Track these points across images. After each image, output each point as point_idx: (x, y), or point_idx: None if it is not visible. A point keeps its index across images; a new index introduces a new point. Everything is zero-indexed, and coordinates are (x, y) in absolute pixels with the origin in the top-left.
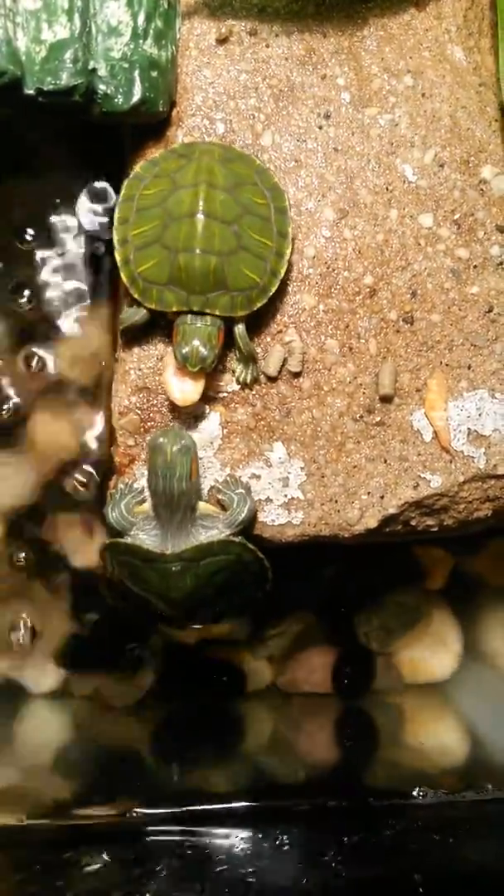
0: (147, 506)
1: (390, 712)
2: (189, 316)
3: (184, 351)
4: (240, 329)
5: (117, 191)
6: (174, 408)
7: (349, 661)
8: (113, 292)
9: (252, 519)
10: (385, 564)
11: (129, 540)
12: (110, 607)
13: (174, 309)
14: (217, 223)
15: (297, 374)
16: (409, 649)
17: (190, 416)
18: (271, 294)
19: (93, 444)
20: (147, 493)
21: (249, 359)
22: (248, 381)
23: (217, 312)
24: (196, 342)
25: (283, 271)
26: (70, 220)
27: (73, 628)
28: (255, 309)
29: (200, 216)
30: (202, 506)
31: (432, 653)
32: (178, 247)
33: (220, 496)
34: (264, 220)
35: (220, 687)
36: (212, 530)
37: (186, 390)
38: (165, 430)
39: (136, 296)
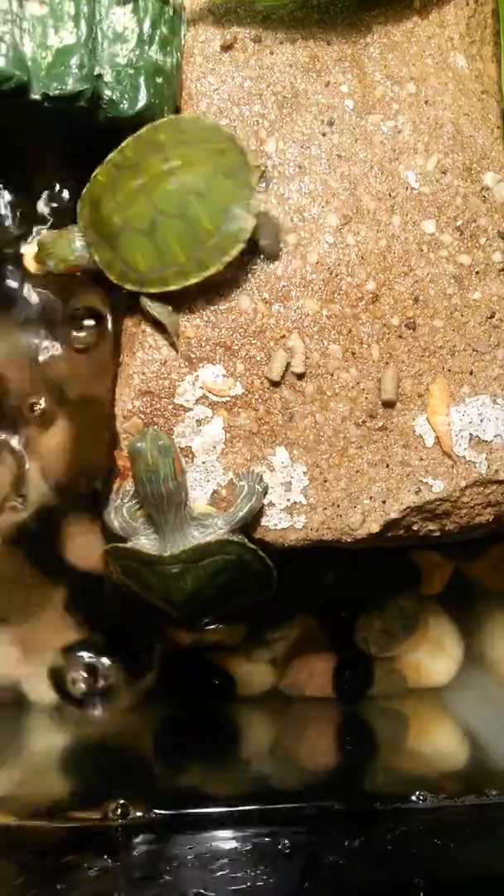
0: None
1: (391, 717)
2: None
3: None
4: (143, 301)
5: None
6: (177, 412)
7: (350, 665)
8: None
9: (251, 518)
10: (384, 569)
11: (128, 544)
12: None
13: None
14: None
15: (300, 378)
16: (409, 654)
17: (193, 420)
18: (187, 284)
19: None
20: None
21: (166, 330)
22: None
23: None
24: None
25: (213, 269)
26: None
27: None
28: (152, 291)
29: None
30: (200, 506)
31: (432, 658)
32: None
33: (236, 481)
34: (215, 212)
35: (221, 690)
36: (209, 529)
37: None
38: (142, 433)
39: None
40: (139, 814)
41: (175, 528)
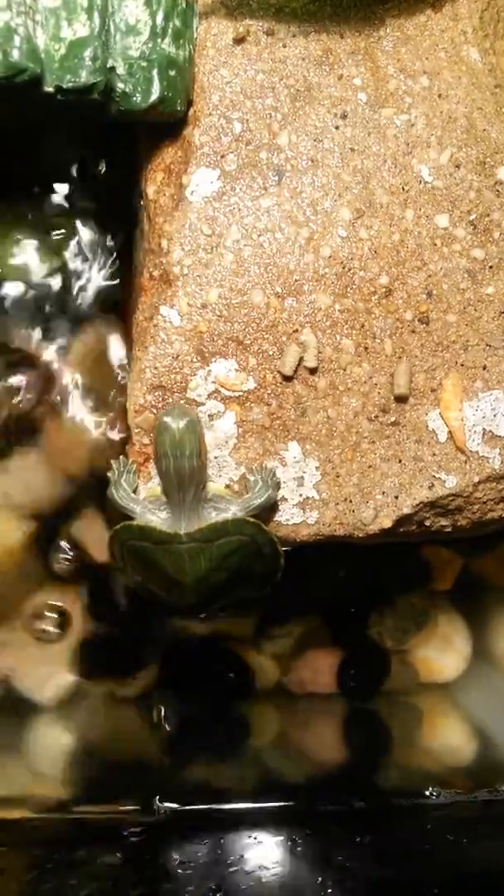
0: (156, 489)
1: (402, 712)
2: None
3: None
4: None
5: (130, 191)
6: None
7: (361, 660)
8: (127, 294)
9: (267, 508)
10: (394, 565)
11: (139, 522)
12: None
13: None
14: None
15: (312, 373)
16: (418, 650)
17: (205, 415)
18: None
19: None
20: (155, 476)
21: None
22: None
23: None
24: None
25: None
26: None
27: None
28: None
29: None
30: (215, 487)
31: (441, 653)
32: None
33: (248, 475)
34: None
35: (232, 685)
36: (224, 511)
37: None
38: (170, 407)
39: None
40: (152, 809)
41: (192, 506)
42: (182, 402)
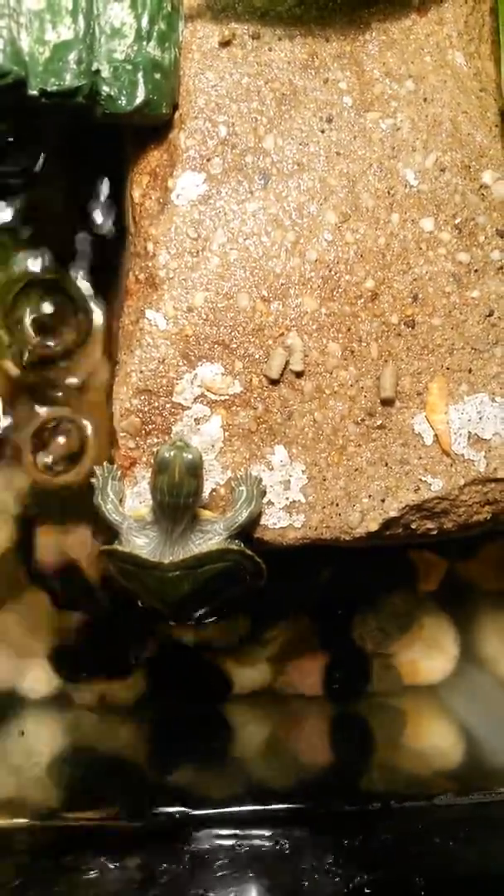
0: (142, 510)
1: (387, 715)
2: None
3: None
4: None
5: (118, 193)
6: (175, 410)
7: (345, 663)
8: (112, 296)
9: (252, 522)
10: (379, 567)
11: (126, 548)
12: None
13: None
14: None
15: (298, 376)
16: (404, 652)
17: (191, 419)
18: None
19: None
20: (141, 481)
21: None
22: None
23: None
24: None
25: None
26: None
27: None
28: None
29: None
30: (200, 511)
31: (427, 656)
32: None
33: (233, 484)
34: None
35: (217, 690)
36: (209, 534)
37: None
38: (172, 443)
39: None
40: (137, 815)
41: (181, 534)
42: (182, 432)
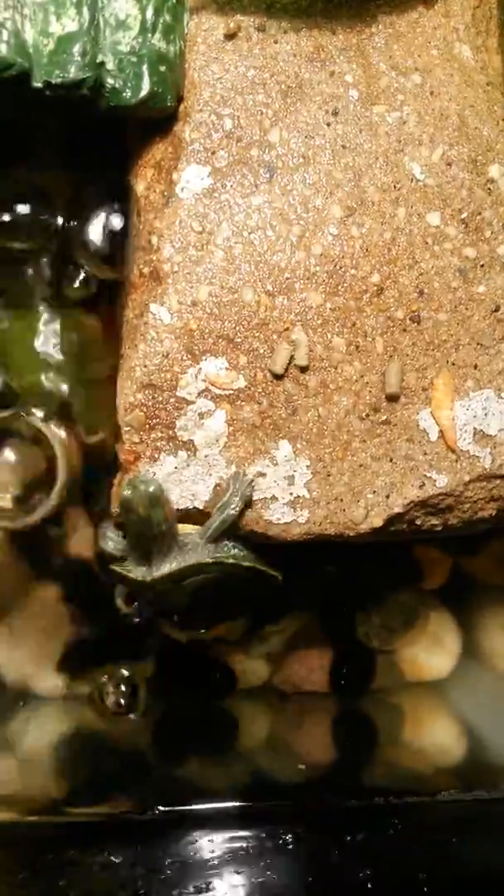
0: None
1: (391, 711)
2: None
3: None
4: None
5: (121, 186)
6: (179, 405)
7: (349, 659)
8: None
9: (230, 526)
10: (384, 564)
11: (122, 568)
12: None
13: None
14: None
15: (303, 371)
16: (407, 648)
17: (195, 414)
18: None
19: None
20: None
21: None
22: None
23: None
24: None
25: None
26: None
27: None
28: None
29: None
30: (179, 526)
31: (430, 652)
32: None
33: (223, 483)
34: None
35: (221, 686)
36: (188, 547)
37: None
38: (129, 483)
39: None
40: (140, 809)
41: (163, 553)
42: (142, 472)
